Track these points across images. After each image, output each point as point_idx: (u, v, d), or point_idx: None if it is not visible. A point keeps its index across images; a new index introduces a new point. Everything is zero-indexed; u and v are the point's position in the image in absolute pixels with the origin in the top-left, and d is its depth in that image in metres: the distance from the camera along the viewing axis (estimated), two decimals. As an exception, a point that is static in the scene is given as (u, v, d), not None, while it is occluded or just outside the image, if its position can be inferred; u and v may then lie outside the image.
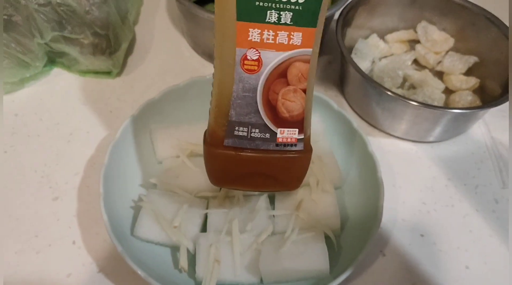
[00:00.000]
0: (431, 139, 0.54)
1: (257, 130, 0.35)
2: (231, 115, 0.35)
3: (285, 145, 0.36)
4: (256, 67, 0.34)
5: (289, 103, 0.35)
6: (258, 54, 0.33)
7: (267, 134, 0.35)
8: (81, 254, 0.44)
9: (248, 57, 0.33)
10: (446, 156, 0.53)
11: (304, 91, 0.35)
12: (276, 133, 0.35)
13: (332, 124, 0.50)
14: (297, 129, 0.35)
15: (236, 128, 0.35)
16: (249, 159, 0.36)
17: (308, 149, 0.37)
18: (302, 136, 0.36)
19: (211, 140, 0.36)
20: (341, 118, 0.49)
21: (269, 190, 0.40)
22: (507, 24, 0.55)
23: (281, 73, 0.34)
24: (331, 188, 0.45)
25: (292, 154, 0.36)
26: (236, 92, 0.34)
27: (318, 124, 0.50)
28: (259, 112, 0.34)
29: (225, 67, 0.34)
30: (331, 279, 0.39)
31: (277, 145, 0.35)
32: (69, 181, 0.50)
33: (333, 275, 0.40)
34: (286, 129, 0.35)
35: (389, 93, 0.48)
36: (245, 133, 0.35)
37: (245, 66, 0.33)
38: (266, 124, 0.35)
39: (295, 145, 0.36)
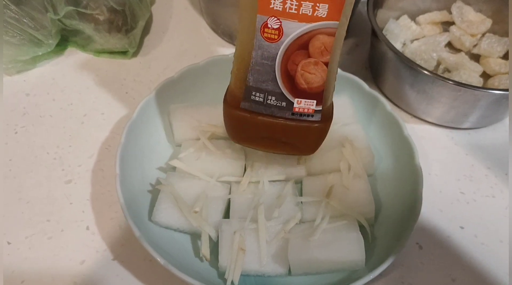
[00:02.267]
0: (467, 125, 0.50)
1: (273, 98, 0.35)
2: (249, 80, 0.35)
3: (301, 114, 0.36)
4: (276, 37, 0.33)
5: (309, 75, 0.34)
6: (279, 23, 0.32)
7: (283, 103, 0.35)
8: (95, 240, 0.42)
9: (269, 26, 0.33)
10: (484, 143, 0.50)
11: (326, 64, 0.34)
12: (293, 103, 0.35)
13: (364, 107, 0.47)
14: (315, 101, 0.35)
15: (253, 93, 0.35)
16: (263, 124, 0.36)
17: (326, 118, 0.37)
18: (320, 108, 0.36)
19: (229, 100, 0.37)
20: (374, 100, 0.46)
21: (285, 152, 0.40)
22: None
23: (302, 45, 0.33)
24: (364, 174, 0.42)
25: (308, 123, 0.36)
26: (255, 58, 0.34)
27: (348, 106, 0.46)
28: (277, 81, 0.34)
29: (246, 33, 0.34)
30: (366, 272, 0.36)
31: (293, 114, 0.36)
32: (83, 163, 0.47)
33: (368, 268, 0.37)
34: (303, 100, 0.35)
35: (426, 72, 0.45)
36: (261, 99, 0.35)
37: (265, 34, 0.33)
38: (283, 93, 0.35)
39: (312, 116, 0.36)
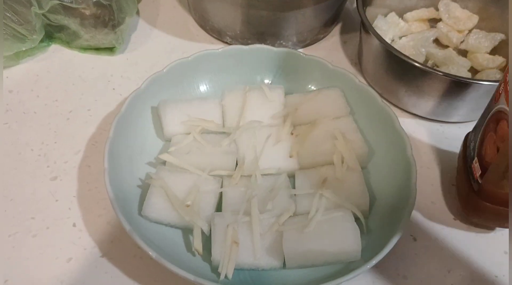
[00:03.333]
0: (457, 118, 0.50)
1: None
2: None
3: None
4: None
5: None
6: None
7: None
8: (82, 237, 0.40)
9: None
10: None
11: None
12: None
13: (355, 100, 0.47)
14: None
15: None
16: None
17: None
18: None
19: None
20: (365, 93, 0.46)
21: None
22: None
23: None
24: (358, 165, 0.41)
25: None
26: None
27: (340, 99, 0.46)
28: None
29: None
30: (362, 263, 0.35)
31: None
32: (69, 160, 0.46)
33: (364, 259, 0.36)
34: None
35: (416, 64, 0.45)
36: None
37: None
38: None
39: None
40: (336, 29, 0.61)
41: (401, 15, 0.59)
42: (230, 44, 0.56)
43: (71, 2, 0.49)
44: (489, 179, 0.36)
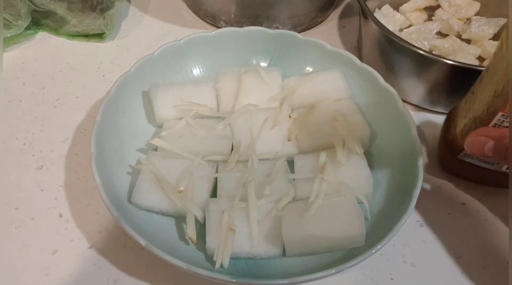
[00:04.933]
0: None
1: None
2: None
3: None
4: None
5: None
6: None
7: None
8: (69, 228, 0.38)
9: None
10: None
11: None
12: None
13: (356, 82, 0.44)
14: None
15: None
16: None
17: None
18: None
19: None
20: (366, 74, 0.44)
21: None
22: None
23: None
24: (360, 148, 0.39)
25: None
26: None
27: (340, 81, 0.44)
28: None
29: None
30: (366, 249, 0.33)
31: None
32: (56, 148, 0.43)
33: (368, 245, 0.34)
34: None
35: (421, 52, 0.42)
36: None
37: None
38: None
39: None
40: (335, 13, 0.59)
41: (396, 7, 0.57)
42: (224, 29, 0.54)
43: (57, -15, 0.47)
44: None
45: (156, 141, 0.39)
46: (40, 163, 0.42)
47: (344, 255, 0.34)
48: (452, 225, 0.39)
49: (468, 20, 0.55)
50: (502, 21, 0.53)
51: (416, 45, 0.51)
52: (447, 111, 0.48)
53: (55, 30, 0.53)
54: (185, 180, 0.36)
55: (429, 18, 0.56)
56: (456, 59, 0.49)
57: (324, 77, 0.44)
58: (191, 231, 0.34)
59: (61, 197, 0.40)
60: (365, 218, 0.36)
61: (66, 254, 0.36)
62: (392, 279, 0.36)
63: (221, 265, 0.33)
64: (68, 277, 0.35)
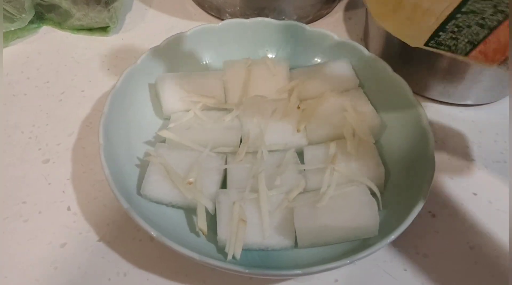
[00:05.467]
0: (472, 101, 0.47)
1: None
2: None
3: None
4: None
5: None
6: None
7: None
8: (77, 221, 0.38)
9: None
10: (490, 114, 0.47)
11: None
12: None
13: (364, 72, 0.44)
14: None
15: None
16: None
17: None
18: None
19: None
20: (375, 64, 0.43)
21: None
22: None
23: None
24: (370, 138, 0.39)
25: None
26: None
27: (348, 71, 0.43)
28: None
29: None
30: (379, 239, 0.32)
31: None
32: (62, 142, 0.43)
33: (381, 235, 0.33)
34: None
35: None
36: None
37: None
38: None
39: None
40: (340, 5, 0.58)
41: None
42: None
43: (61, -23, 0.47)
44: None
45: (164, 133, 0.39)
46: (46, 156, 0.42)
47: (357, 245, 0.34)
48: (464, 215, 0.39)
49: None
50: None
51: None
52: (456, 102, 0.47)
53: (59, 24, 0.53)
54: (194, 171, 0.36)
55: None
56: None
57: (332, 67, 0.44)
58: (201, 222, 0.34)
59: (68, 190, 0.39)
60: (377, 208, 0.35)
61: (75, 247, 0.36)
62: (405, 270, 0.36)
63: (233, 257, 0.32)
64: (77, 271, 0.35)
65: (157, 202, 0.36)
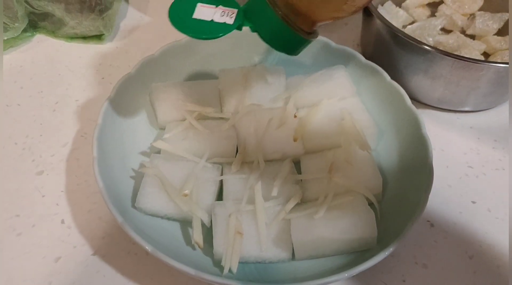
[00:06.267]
0: (469, 107, 0.46)
1: None
2: None
3: None
4: None
5: None
6: None
7: None
8: (72, 234, 0.37)
9: None
10: (488, 120, 0.46)
11: None
12: None
13: (361, 80, 0.44)
14: None
15: None
16: None
17: None
18: None
19: None
20: (372, 72, 0.43)
21: None
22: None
23: None
24: (368, 147, 0.38)
25: None
26: None
27: (345, 79, 0.43)
28: None
29: None
30: (378, 251, 0.32)
31: None
32: (56, 153, 0.42)
33: (380, 247, 0.33)
34: None
35: (426, 47, 0.42)
36: None
37: None
38: None
39: None
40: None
41: (398, 3, 0.56)
42: (225, 28, 0.53)
43: (54, -14, 0.46)
44: None
45: (159, 144, 0.38)
46: (40, 168, 0.41)
47: (355, 257, 0.33)
48: (463, 224, 0.39)
49: (472, 15, 0.54)
50: (506, 16, 0.52)
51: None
52: (454, 109, 0.47)
53: (53, 33, 0.52)
54: (190, 183, 0.35)
55: (432, 14, 0.56)
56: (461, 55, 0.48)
57: (329, 75, 0.43)
58: (197, 235, 0.33)
59: (62, 202, 0.39)
60: (375, 218, 0.35)
61: (69, 261, 0.35)
62: (404, 281, 0.35)
63: (230, 270, 0.32)
64: (71, 285, 0.34)
65: (152, 215, 0.35)
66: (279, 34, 0.32)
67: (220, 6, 0.32)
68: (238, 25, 0.32)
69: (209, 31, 0.31)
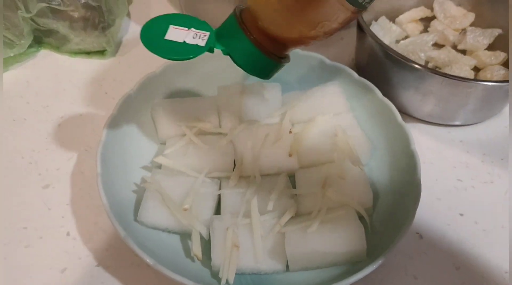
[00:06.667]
0: (460, 122, 0.48)
1: None
2: None
3: None
4: None
5: None
6: None
7: None
8: (77, 246, 0.39)
9: None
10: (477, 134, 0.48)
11: None
12: None
13: (354, 96, 0.45)
14: None
15: None
16: None
17: None
18: None
19: None
20: (364, 88, 0.45)
21: None
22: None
23: None
24: (360, 162, 0.40)
25: None
26: None
27: (339, 95, 0.45)
28: None
29: None
30: (368, 263, 0.34)
31: None
32: (61, 167, 0.44)
33: (370, 259, 0.35)
34: None
35: (416, 65, 0.43)
36: None
37: None
38: None
39: None
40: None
41: (391, 18, 0.57)
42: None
43: (59, 5, 0.48)
44: None
45: (160, 159, 0.40)
46: (46, 182, 0.43)
47: (348, 269, 0.35)
48: (451, 236, 0.40)
49: (463, 30, 0.56)
50: (496, 31, 0.54)
51: (413, 56, 0.52)
52: (444, 123, 0.49)
53: (57, 48, 0.54)
54: (189, 198, 0.37)
55: (425, 29, 0.57)
56: (452, 70, 0.50)
57: (324, 91, 0.45)
58: (196, 248, 0.35)
59: (68, 215, 0.41)
60: (366, 231, 0.37)
61: (75, 272, 0.37)
62: (394, 291, 0.37)
63: (227, 281, 0.34)
64: (76, 296, 0.36)
65: (154, 228, 0.37)
66: (251, 58, 0.33)
67: (192, 29, 0.33)
68: (209, 48, 0.33)
69: (180, 52, 0.32)
